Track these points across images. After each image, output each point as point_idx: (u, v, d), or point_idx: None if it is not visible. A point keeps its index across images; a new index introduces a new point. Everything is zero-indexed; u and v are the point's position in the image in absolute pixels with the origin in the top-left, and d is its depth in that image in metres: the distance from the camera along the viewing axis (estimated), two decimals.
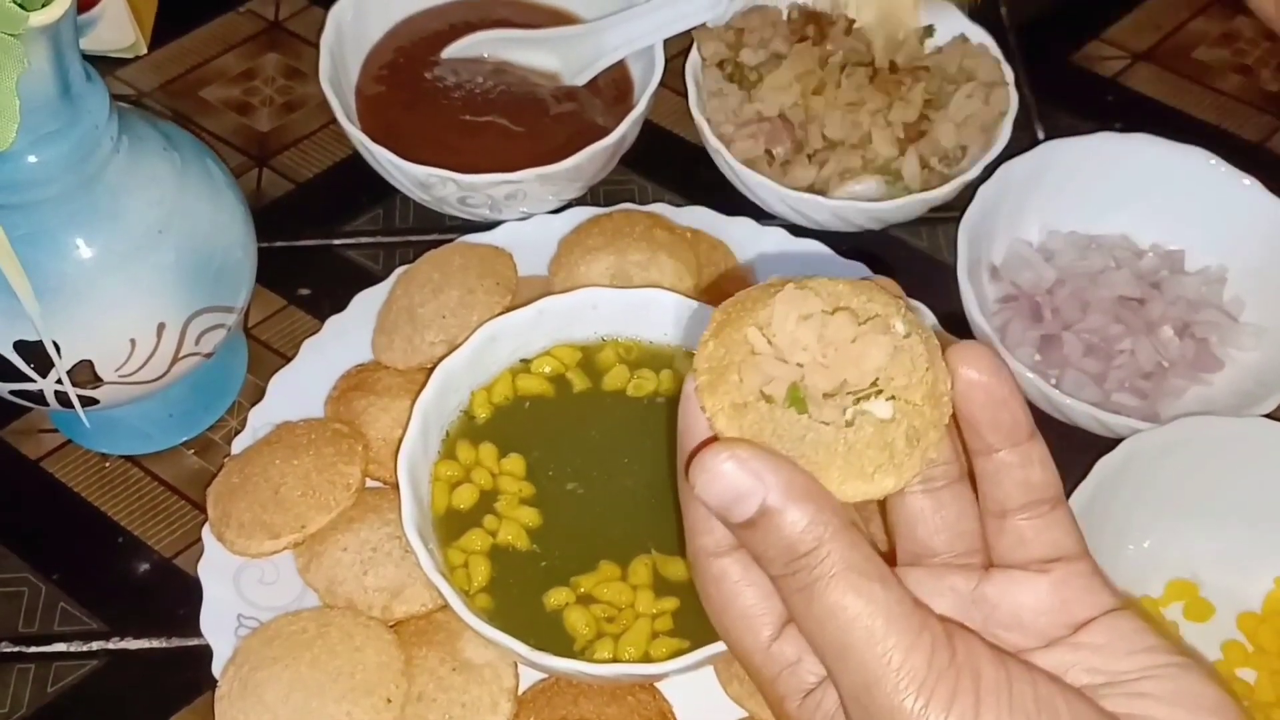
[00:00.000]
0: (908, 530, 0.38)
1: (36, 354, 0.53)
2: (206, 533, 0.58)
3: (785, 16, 0.75)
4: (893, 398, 0.34)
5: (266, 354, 0.67)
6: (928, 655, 0.32)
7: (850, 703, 0.33)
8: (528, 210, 0.69)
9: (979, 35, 0.75)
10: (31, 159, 0.50)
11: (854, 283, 0.35)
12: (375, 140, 0.67)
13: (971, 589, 0.36)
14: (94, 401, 0.56)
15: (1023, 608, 0.36)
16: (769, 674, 0.36)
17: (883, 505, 0.38)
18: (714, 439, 0.34)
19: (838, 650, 0.33)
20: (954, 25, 0.75)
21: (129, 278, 0.53)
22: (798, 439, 0.33)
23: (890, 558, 0.38)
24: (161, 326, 0.54)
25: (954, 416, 0.35)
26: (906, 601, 0.33)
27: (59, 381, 0.54)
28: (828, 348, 0.34)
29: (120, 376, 0.55)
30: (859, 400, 0.34)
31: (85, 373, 0.54)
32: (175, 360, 0.56)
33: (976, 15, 0.76)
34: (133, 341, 0.54)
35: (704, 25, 0.73)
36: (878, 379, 0.34)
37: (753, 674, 0.37)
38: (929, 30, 0.75)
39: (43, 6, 0.43)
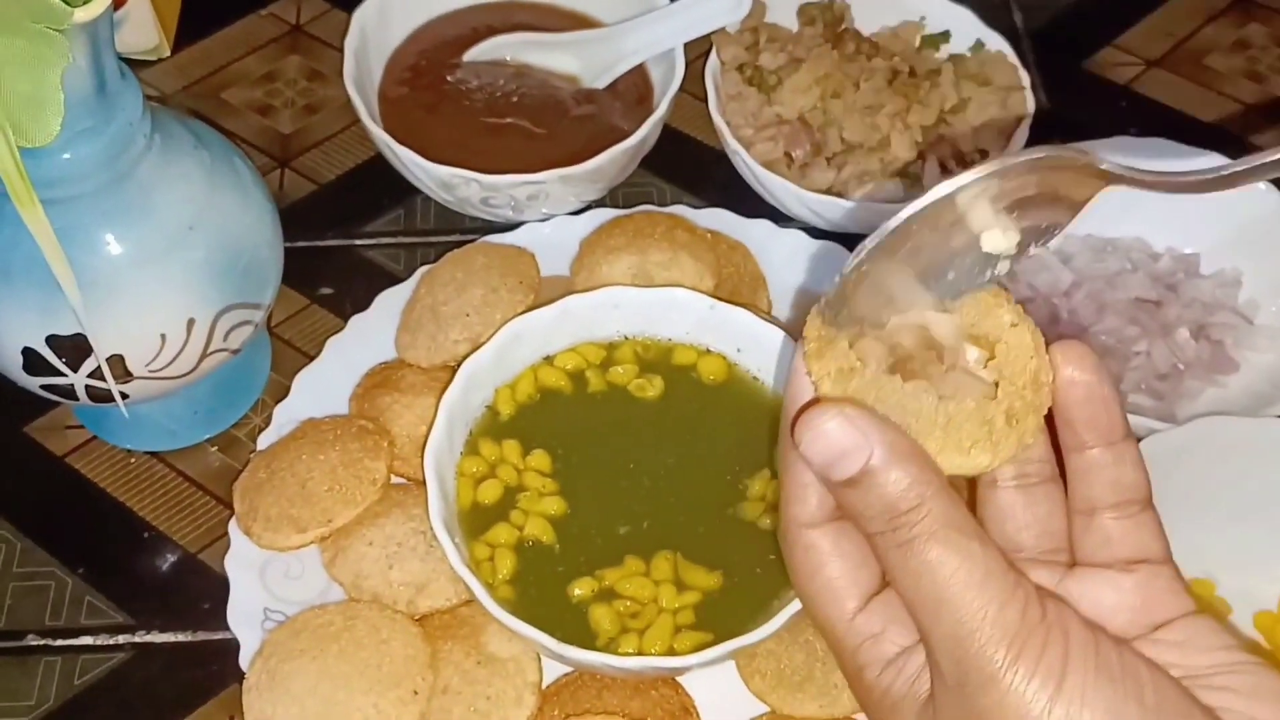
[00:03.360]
0: (997, 525, 0.38)
1: (69, 348, 0.54)
2: (233, 527, 0.58)
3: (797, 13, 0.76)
4: (996, 379, 0.35)
5: (289, 352, 0.67)
6: (1020, 611, 0.33)
7: (942, 655, 0.34)
8: (549, 211, 0.70)
9: (995, 40, 0.75)
10: (66, 155, 0.51)
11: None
12: (398, 141, 0.68)
13: (1055, 584, 0.37)
14: (123, 396, 0.56)
15: (1104, 605, 0.36)
16: (850, 644, 0.37)
17: (973, 498, 0.39)
18: (818, 401, 0.35)
19: (934, 604, 0.33)
20: (970, 30, 0.76)
21: (160, 274, 0.54)
22: (900, 407, 0.34)
23: None
24: (191, 322, 0.55)
25: (1050, 416, 0.36)
26: (1002, 561, 0.34)
27: (90, 376, 0.54)
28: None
29: (150, 371, 0.55)
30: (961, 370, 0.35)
31: (116, 368, 0.54)
32: (204, 356, 0.57)
33: (991, 21, 0.76)
34: (163, 337, 0.55)
35: (723, 29, 0.74)
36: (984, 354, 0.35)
37: (833, 643, 0.38)
38: (943, 35, 0.76)
39: (84, 3, 0.44)
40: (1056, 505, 0.38)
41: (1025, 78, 0.73)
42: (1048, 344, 0.36)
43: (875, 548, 0.35)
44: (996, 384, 0.35)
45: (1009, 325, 0.35)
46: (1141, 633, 0.36)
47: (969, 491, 0.37)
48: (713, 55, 0.73)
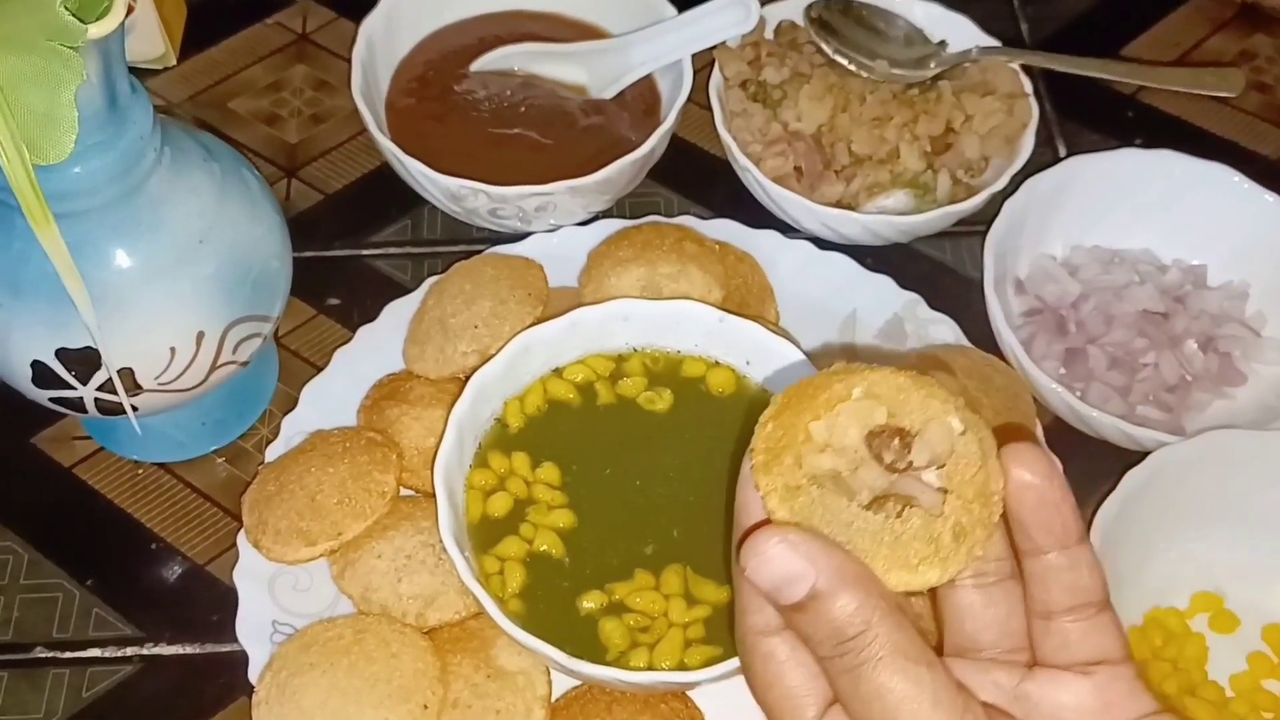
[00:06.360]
0: (956, 623, 0.38)
1: (78, 361, 0.53)
2: (242, 539, 0.58)
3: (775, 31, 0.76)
4: (944, 490, 0.35)
5: (296, 363, 0.67)
6: None
7: None
8: (556, 222, 0.70)
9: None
10: (77, 170, 0.50)
11: (915, 378, 0.36)
12: (405, 152, 0.68)
13: (1014, 685, 0.37)
14: (133, 409, 0.56)
15: (1064, 708, 0.36)
16: None
17: (933, 595, 0.39)
18: (767, 521, 0.35)
19: None
20: (970, 38, 0.76)
21: (170, 287, 0.54)
22: (846, 525, 0.34)
23: (936, 647, 0.39)
24: (201, 335, 0.55)
25: (1005, 515, 0.36)
26: (951, 685, 0.34)
27: (99, 388, 0.54)
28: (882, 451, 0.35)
29: (159, 384, 0.55)
30: (905, 473, 0.35)
31: (125, 381, 0.54)
32: (213, 369, 0.56)
33: (997, 31, 0.76)
34: (172, 350, 0.55)
35: (724, 45, 0.74)
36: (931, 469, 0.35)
37: None
38: (940, 44, 0.76)
39: (98, 19, 0.44)
40: (1015, 604, 0.38)
41: (1028, 84, 0.73)
42: (1000, 442, 0.36)
43: (825, 670, 0.35)
44: (944, 492, 0.35)
45: (958, 433, 0.35)
46: None
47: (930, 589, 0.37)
48: (715, 71, 0.73)
